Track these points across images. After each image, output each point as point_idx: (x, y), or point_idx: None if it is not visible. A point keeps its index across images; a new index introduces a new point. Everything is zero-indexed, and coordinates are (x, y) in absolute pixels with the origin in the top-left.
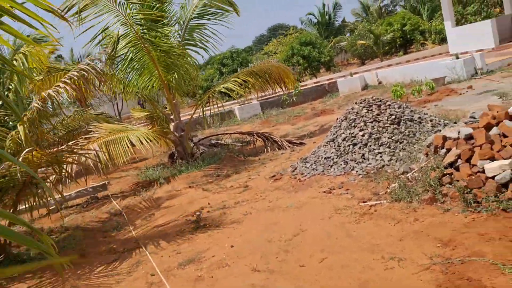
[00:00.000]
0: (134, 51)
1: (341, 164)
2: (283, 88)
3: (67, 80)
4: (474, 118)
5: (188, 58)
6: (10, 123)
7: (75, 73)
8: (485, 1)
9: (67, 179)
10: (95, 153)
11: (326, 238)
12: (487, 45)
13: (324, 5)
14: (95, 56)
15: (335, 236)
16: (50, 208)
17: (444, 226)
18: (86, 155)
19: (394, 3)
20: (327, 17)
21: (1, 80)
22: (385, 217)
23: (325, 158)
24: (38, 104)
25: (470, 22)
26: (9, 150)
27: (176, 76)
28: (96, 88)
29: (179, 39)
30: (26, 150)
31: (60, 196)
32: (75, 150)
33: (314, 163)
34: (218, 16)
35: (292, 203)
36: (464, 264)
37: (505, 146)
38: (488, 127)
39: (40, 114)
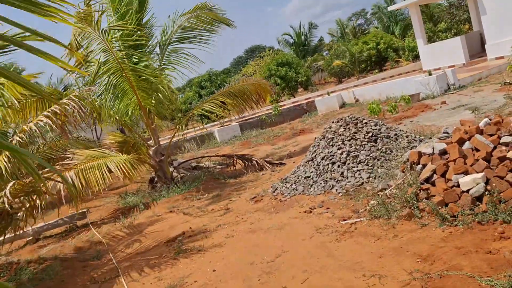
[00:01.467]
0: (113, 77)
1: (321, 183)
2: (261, 104)
3: (50, 114)
4: (448, 133)
5: (167, 82)
6: None
7: (58, 107)
8: (455, 18)
9: (40, 210)
10: (70, 181)
11: (308, 258)
12: (458, 61)
13: (300, 25)
14: (77, 88)
15: (317, 256)
16: (28, 239)
17: (422, 241)
18: (61, 183)
19: (368, 22)
20: (303, 37)
21: None
22: (365, 234)
23: (305, 177)
24: (19, 137)
25: (442, 39)
26: None
27: (154, 101)
28: (79, 119)
29: (158, 64)
30: (12, 182)
31: (33, 227)
32: (51, 178)
33: (294, 183)
34: (200, 36)
35: (273, 224)
36: (443, 278)
37: (477, 160)
38: (461, 142)
39: (21, 146)
